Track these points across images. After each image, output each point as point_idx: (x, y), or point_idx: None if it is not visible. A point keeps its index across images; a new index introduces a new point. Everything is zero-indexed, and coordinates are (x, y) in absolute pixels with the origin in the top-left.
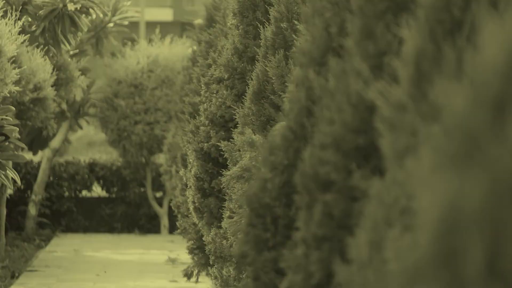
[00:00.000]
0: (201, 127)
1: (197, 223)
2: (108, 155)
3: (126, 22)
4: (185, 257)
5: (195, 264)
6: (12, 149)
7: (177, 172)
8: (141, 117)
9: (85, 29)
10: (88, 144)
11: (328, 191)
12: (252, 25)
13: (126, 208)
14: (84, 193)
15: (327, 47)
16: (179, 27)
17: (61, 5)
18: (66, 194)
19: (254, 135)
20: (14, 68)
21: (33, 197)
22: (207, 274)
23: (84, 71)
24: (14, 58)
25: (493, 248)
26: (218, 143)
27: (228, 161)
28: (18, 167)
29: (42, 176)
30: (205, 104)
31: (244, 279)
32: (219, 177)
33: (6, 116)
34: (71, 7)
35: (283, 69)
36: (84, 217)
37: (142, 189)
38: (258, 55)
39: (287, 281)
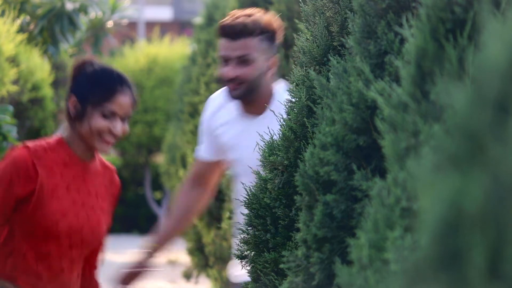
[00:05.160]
0: None
1: (196, 224)
2: (106, 155)
3: (125, 21)
4: (185, 259)
5: (195, 266)
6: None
7: (177, 172)
8: (140, 116)
9: (84, 28)
10: None
11: (328, 191)
12: None
13: (125, 208)
14: None
15: (328, 46)
16: (178, 26)
17: (59, 4)
18: None
19: None
20: (12, 67)
21: None
22: (207, 276)
23: None
24: (12, 58)
25: (495, 249)
26: None
27: None
28: None
29: None
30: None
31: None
32: None
33: (4, 115)
34: (69, 6)
35: (283, 68)
36: None
37: (141, 190)
38: None
39: (287, 283)
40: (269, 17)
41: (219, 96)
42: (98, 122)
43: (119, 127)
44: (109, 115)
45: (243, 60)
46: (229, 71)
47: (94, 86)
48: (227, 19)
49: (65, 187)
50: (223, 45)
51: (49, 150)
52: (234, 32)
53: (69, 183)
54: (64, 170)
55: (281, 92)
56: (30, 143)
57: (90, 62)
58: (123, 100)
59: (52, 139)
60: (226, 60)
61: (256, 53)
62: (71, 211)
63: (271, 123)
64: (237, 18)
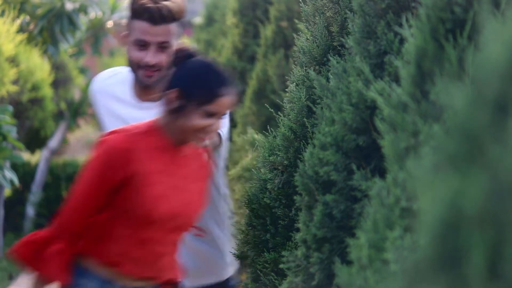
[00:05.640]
0: None
1: None
2: None
3: (125, 21)
4: None
5: None
6: (10, 149)
7: None
8: None
9: (84, 28)
10: (86, 144)
11: (328, 191)
12: (252, 24)
13: None
14: None
15: (328, 46)
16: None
17: (59, 4)
18: (65, 194)
19: (256, 134)
20: (12, 67)
21: (31, 197)
22: None
23: (82, 71)
24: (12, 58)
25: (494, 249)
26: None
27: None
28: (16, 167)
29: (40, 176)
30: None
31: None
32: None
33: (4, 115)
34: (69, 6)
35: (283, 69)
36: None
37: None
38: (258, 54)
39: (287, 283)
40: (181, 0)
41: (116, 74)
42: (198, 121)
43: (216, 125)
44: (210, 115)
45: (163, 46)
46: (150, 57)
47: (200, 87)
48: (146, 1)
49: (160, 172)
50: (143, 29)
51: (143, 135)
52: (160, 16)
53: (164, 168)
54: (159, 156)
55: None
56: (123, 129)
57: (194, 54)
58: (226, 102)
59: (145, 124)
60: (143, 45)
61: (173, 39)
62: (169, 196)
63: None
64: (157, 1)
